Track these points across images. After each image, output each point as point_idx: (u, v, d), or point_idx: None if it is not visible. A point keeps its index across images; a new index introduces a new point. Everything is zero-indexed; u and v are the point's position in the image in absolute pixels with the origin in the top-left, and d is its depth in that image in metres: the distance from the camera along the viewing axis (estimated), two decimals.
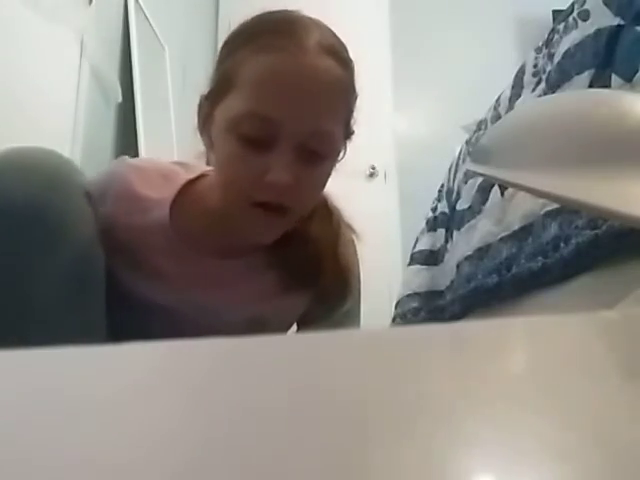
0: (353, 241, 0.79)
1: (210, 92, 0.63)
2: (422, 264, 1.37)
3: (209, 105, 0.63)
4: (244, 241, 0.69)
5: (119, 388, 0.18)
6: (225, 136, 0.59)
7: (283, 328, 0.77)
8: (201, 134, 0.66)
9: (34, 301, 0.53)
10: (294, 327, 0.81)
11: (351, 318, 0.82)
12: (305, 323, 0.79)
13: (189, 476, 0.14)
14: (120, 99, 1.70)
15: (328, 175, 0.65)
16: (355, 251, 0.79)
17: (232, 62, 0.60)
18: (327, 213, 0.73)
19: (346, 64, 0.61)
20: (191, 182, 0.69)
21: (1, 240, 0.52)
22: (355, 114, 0.66)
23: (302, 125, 0.57)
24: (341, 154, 0.67)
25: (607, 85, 0.67)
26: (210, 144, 0.64)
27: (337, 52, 0.60)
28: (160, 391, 0.18)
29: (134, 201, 0.66)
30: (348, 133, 0.67)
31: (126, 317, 0.68)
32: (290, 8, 0.65)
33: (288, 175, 0.57)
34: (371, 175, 2.93)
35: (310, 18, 0.63)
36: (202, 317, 0.70)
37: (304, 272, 0.71)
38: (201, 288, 0.69)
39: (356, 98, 0.66)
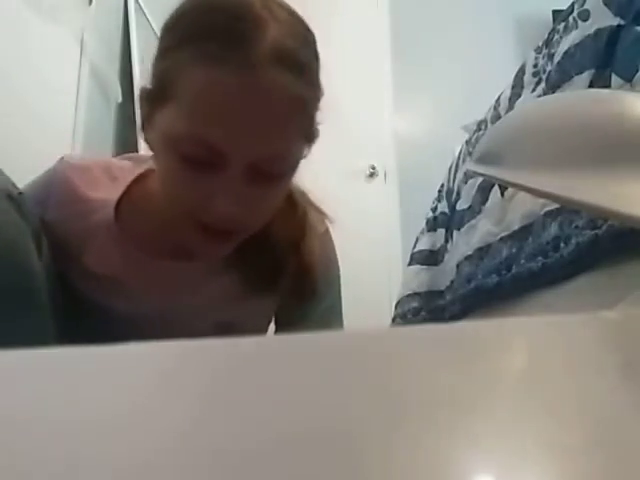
0: (326, 232, 0.72)
1: (149, 92, 0.55)
2: (422, 264, 1.37)
3: (148, 106, 0.55)
4: (195, 257, 0.63)
5: (118, 388, 0.18)
6: (165, 151, 0.53)
7: (258, 330, 0.72)
8: (141, 133, 0.59)
9: None
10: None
11: (331, 315, 0.76)
12: (282, 325, 0.74)
13: (188, 474, 0.14)
14: (120, 99, 1.71)
15: (285, 189, 0.59)
16: (327, 243, 0.73)
17: (171, 63, 0.51)
18: (290, 207, 0.66)
19: (303, 69, 0.52)
20: (140, 178, 0.64)
21: None
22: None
23: (251, 151, 0.50)
24: (304, 154, 0.60)
25: (607, 85, 0.67)
26: (151, 148, 0.57)
27: (291, 58, 0.50)
28: (160, 391, 0.18)
29: (78, 204, 0.61)
30: (311, 138, 0.59)
31: (88, 324, 0.64)
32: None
33: (235, 204, 0.51)
34: (371, 175, 2.93)
35: (265, 2, 0.52)
36: (165, 324, 0.65)
37: (264, 276, 0.66)
38: (158, 292, 0.65)
39: (319, 96, 0.57)
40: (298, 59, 0.51)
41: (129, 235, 0.63)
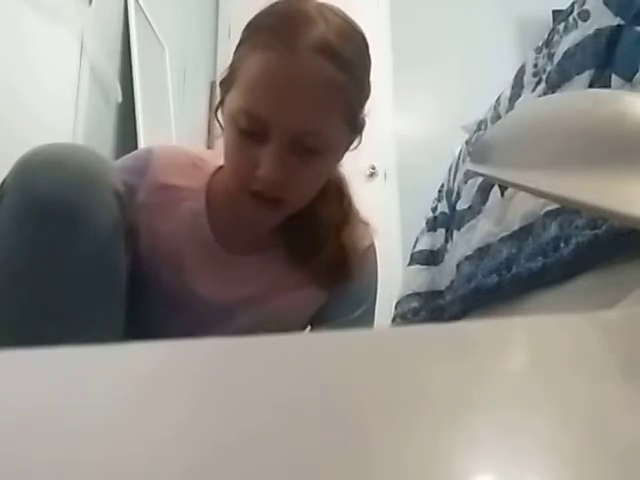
0: (372, 245, 0.78)
1: (222, 80, 0.66)
2: (422, 264, 1.37)
3: (222, 92, 0.66)
4: (253, 227, 0.70)
5: (119, 388, 0.18)
6: (227, 126, 0.63)
7: (298, 326, 0.77)
8: (216, 118, 0.69)
9: (52, 290, 0.54)
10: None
11: (364, 323, 0.79)
12: (314, 329, 0.79)
13: (190, 476, 0.14)
14: (120, 99, 1.70)
15: (326, 168, 0.67)
16: (372, 255, 0.78)
17: (238, 55, 0.63)
18: (338, 195, 0.75)
19: (344, 62, 0.59)
20: (217, 171, 0.72)
21: (28, 231, 0.54)
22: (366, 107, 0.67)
23: (289, 124, 0.59)
24: (354, 144, 0.69)
25: (607, 85, 0.67)
26: (221, 127, 0.67)
27: (333, 51, 0.58)
28: (161, 391, 0.18)
29: (168, 191, 0.69)
30: (356, 126, 0.67)
31: (147, 315, 0.70)
32: None
33: (275, 171, 0.59)
34: (371, 175, 2.93)
35: (319, 7, 0.61)
36: (217, 317, 0.71)
37: (304, 250, 0.72)
38: (221, 285, 0.71)
39: (365, 92, 0.66)
40: (339, 53, 0.59)
41: (212, 225, 0.70)
